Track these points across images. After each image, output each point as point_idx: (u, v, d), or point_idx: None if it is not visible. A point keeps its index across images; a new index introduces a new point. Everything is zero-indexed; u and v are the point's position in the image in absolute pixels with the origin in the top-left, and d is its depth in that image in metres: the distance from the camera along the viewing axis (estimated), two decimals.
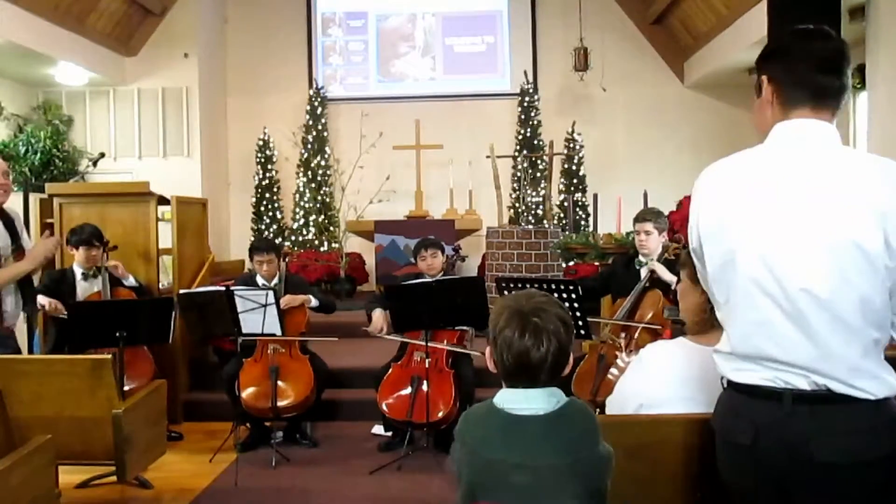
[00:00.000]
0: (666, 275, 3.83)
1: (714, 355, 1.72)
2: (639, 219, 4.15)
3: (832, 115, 1.59)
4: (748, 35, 7.59)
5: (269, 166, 9.74)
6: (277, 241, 8.64)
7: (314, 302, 4.70)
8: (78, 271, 4.59)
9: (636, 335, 3.76)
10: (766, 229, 1.54)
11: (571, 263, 6.82)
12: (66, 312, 4.22)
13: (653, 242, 4.04)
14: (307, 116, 9.73)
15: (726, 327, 1.66)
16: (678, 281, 2.15)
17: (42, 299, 4.27)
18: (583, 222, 9.06)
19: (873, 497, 1.51)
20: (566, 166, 9.50)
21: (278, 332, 4.18)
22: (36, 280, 4.95)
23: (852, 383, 1.50)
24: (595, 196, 7.34)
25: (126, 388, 3.95)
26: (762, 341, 1.56)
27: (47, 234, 3.98)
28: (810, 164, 1.53)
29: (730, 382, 1.66)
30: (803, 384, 1.53)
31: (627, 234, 5.51)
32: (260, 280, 4.67)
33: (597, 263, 5.55)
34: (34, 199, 5.22)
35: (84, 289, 4.57)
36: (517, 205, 9.17)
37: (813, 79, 1.57)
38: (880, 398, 1.51)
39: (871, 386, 1.51)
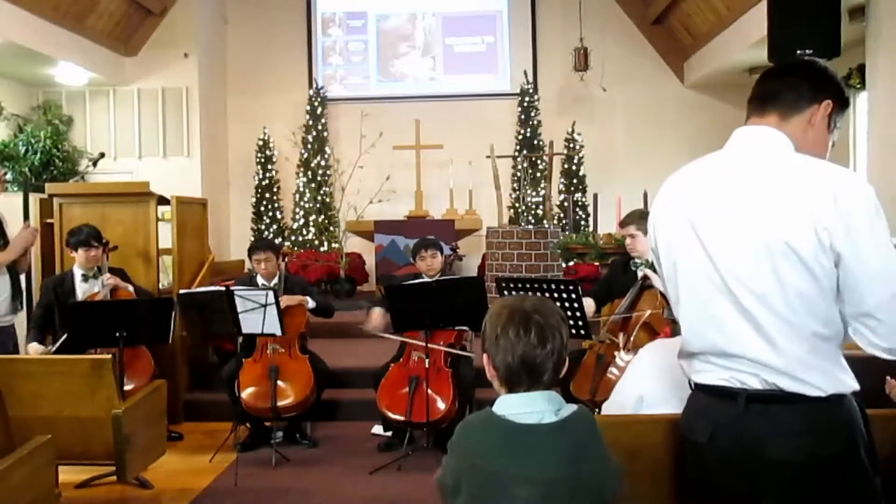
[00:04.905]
0: (658, 283, 3.78)
1: (678, 360, 1.76)
2: (622, 223, 4.06)
3: (781, 119, 1.67)
4: (748, 35, 7.59)
5: (269, 166, 9.74)
6: (277, 241, 8.65)
7: (311, 303, 4.70)
8: (78, 273, 4.59)
9: (633, 335, 3.75)
10: (711, 229, 1.62)
11: (571, 263, 6.83)
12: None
13: (640, 245, 3.95)
14: (307, 116, 9.73)
15: (681, 324, 1.72)
16: None
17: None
18: (583, 222, 9.06)
19: (830, 495, 1.52)
20: (566, 166, 9.50)
21: (278, 332, 4.18)
22: (35, 286, 5.00)
23: (802, 377, 1.51)
24: (595, 196, 7.35)
25: (126, 388, 3.96)
26: (713, 334, 1.61)
27: (26, 226, 4.29)
28: (750, 168, 1.62)
29: (695, 384, 1.71)
30: (755, 383, 1.56)
31: None
32: (260, 280, 4.67)
33: (597, 263, 5.55)
34: (34, 199, 5.21)
35: (84, 290, 4.56)
36: (517, 205, 9.17)
37: (756, 87, 1.75)
38: (830, 394, 1.52)
39: (821, 381, 1.52)
